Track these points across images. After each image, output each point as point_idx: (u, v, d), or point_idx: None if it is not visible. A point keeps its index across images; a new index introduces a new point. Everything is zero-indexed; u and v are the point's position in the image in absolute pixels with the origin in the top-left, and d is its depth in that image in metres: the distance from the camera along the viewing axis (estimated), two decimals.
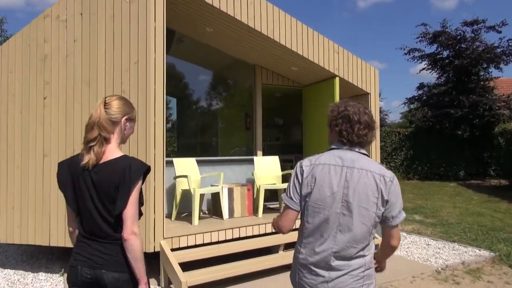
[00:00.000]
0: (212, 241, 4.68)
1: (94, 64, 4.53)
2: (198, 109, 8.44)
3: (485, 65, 15.26)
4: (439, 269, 4.88)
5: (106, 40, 4.49)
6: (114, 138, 1.82)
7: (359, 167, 1.75)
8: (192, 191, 5.11)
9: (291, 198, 1.82)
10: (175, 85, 7.96)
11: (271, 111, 9.07)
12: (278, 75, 6.83)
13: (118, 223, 1.75)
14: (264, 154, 6.88)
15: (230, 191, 5.56)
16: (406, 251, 5.71)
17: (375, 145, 6.64)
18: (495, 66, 15.19)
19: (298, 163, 1.86)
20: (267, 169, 6.21)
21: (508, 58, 14.82)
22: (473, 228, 7.14)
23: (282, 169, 6.37)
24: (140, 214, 1.80)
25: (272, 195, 6.54)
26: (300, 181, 1.80)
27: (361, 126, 1.78)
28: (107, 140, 1.79)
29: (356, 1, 74.51)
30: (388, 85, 59.27)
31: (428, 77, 39.01)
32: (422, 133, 15.69)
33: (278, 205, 6.30)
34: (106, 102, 1.83)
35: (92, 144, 1.75)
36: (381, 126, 15.19)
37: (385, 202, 1.74)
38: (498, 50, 14.89)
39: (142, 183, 1.79)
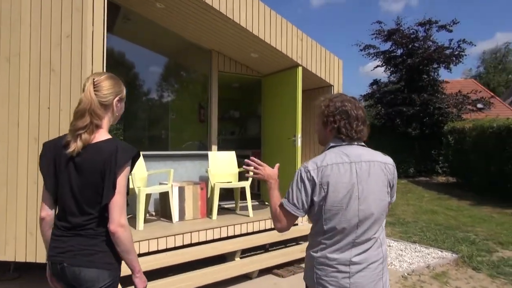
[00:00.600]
0: (159, 248, 4.05)
1: (16, 36, 3.73)
2: (148, 99, 7.68)
3: (435, 65, 15.62)
4: (406, 274, 4.59)
5: (32, 7, 3.70)
6: (105, 122, 1.73)
7: (366, 160, 1.74)
8: (136, 190, 4.44)
9: (294, 204, 1.73)
10: (121, 70, 7.16)
11: (227, 103, 8.50)
12: (236, 62, 6.25)
13: (94, 214, 1.64)
14: (219, 149, 6.31)
15: (181, 190, 4.94)
16: None
17: None
18: (445, 67, 15.59)
19: (302, 168, 1.75)
20: (222, 166, 5.65)
21: (457, 59, 15.24)
22: (430, 227, 7.03)
23: (239, 165, 5.84)
24: (127, 204, 1.69)
25: (227, 193, 6.00)
26: (309, 187, 1.70)
27: (359, 123, 1.78)
28: (98, 127, 1.68)
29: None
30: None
31: (380, 75, 40.26)
32: (375, 131, 15.83)
33: (234, 205, 5.77)
34: (95, 83, 1.69)
35: (81, 132, 1.63)
36: None
37: (391, 188, 1.81)
38: (448, 51, 15.28)
39: (131, 170, 1.69)
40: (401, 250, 5.53)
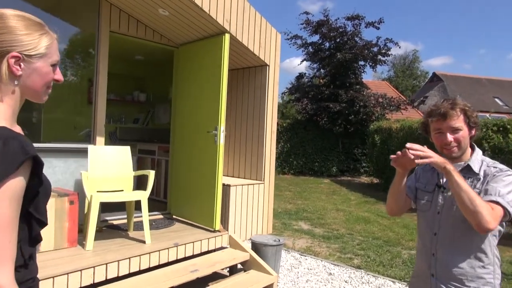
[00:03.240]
0: None
1: None
2: None
3: (362, 63, 15.20)
4: None
5: None
6: None
7: None
8: None
9: None
10: None
11: (131, 81, 6.69)
12: (138, 22, 4.49)
13: None
14: (114, 142, 4.53)
15: None
16: None
17: (271, 141, 4.91)
18: (371, 66, 15.25)
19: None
20: (109, 167, 3.92)
21: (384, 57, 14.94)
22: (369, 243, 6.02)
23: (140, 166, 4.14)
24: (37, 240, 1.02)
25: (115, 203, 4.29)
26: None
27: None
28: None
29: None
30: None
31: (303, 70, 40.31)
32: (300, 126, 14.98)
33: (126, 220, 4.09)
34: None
35: None
36: None
37: None
38: (375, 48, 14.90)
39: (38, 185, 0.96)
40: (345, 282, 4.33)
